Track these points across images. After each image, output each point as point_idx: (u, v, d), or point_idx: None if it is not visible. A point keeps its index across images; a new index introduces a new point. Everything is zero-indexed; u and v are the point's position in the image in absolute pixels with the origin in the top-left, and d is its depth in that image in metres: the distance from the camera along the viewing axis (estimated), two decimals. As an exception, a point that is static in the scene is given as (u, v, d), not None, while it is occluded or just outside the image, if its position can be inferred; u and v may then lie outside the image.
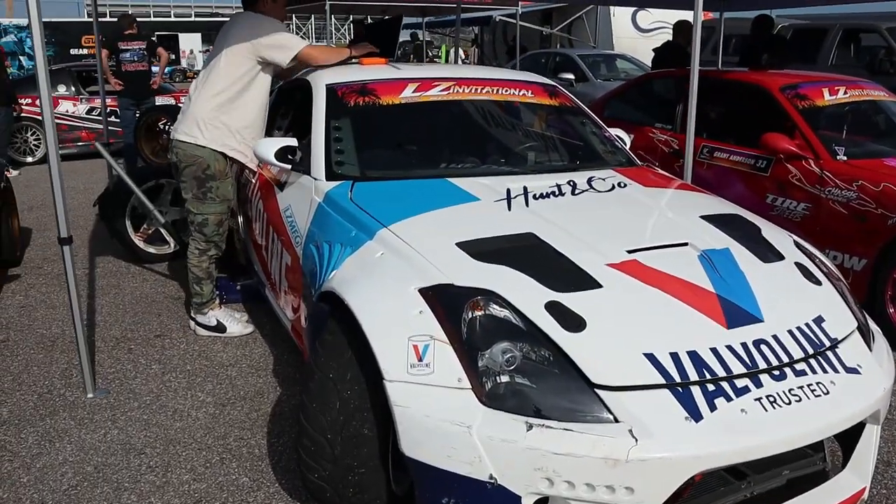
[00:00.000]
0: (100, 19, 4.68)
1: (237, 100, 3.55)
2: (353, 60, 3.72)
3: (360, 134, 3.23)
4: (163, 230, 4.90)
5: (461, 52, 21.00)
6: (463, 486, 1.88)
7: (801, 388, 2.03)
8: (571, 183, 2.93)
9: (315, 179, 3.02)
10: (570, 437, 1.81)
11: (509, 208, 2.62)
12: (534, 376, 1.94)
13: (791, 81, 4.78)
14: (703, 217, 2.73)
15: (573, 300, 2.08)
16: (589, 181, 2.99)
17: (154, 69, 8.47)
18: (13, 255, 4.93)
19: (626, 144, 3.84)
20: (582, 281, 2.17)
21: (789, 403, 1.98)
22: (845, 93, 4.77)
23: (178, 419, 3.07)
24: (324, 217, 2.81)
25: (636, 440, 1.80)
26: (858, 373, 2.19)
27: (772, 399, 1.97)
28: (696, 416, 1.87)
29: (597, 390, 1.89)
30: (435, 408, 1.91)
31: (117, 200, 4.83)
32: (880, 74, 8.78)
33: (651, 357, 1.95)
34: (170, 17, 33.75)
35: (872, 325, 2.59)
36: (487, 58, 15.24)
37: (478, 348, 1.97)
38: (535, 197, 2.74)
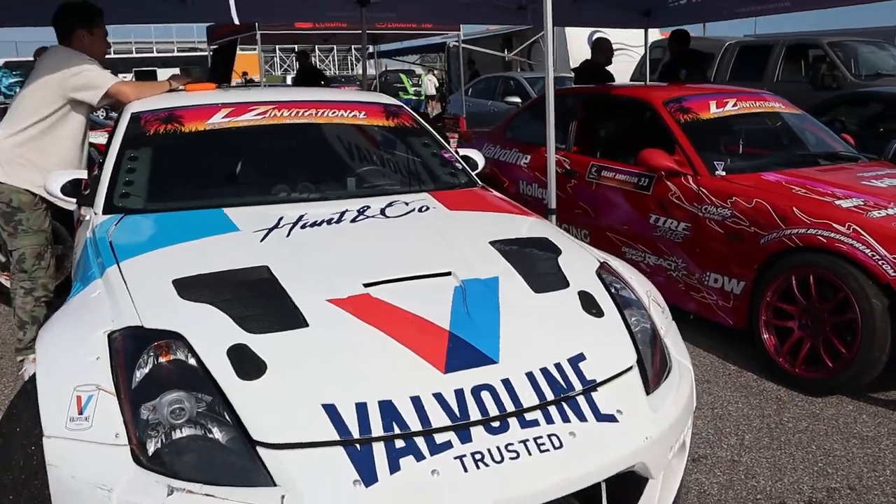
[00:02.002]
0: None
1: (44, 138, 3.38)
2: (181, 88, 3.52)
3: (154, 164, 3.00)
4: None
5: (434, 79, 20.98)
6: (104, 560, 1.61)
7: (523, 441, 1.75)
8: (362, 209, 2.69)
9: (95, 214, 2.79)
10: (209, 502, 1.55)
11: (263, 239, 2.38)
12: (201, 431, 1.68)
13: (676, 95, 4.53)
14: (493, 242, 2.48)
15: (263, 343, 1.82)
16: (385, 206, 2.75)
17: None
18: None
19: (478, 166, 3.62)
20: (287, 320, 1.92)
21: (501, 461, 1.70)
22: (735, 105, 4.52)
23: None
24: (84, 254, 2.57)
25: (284, 508, 1.53)
26: (615, 421, 1.90)
27: (479, 457, 1.69)
28: (369, 479, 1.60)
29: (258, 448, 1.63)
30: (83, 468, 1.66)
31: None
32: (823, 88, 8.57)
33: (331, 409, 1.69)
34: (152, 52, 34.10)
35: (677, 359, 2.32)
36: (454, 84, 15.14)
37: (144, 399, 1.72)
38: (303, 226, 2.49)
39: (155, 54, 32.39)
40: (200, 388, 1.74)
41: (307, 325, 1.91)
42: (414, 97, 18.96)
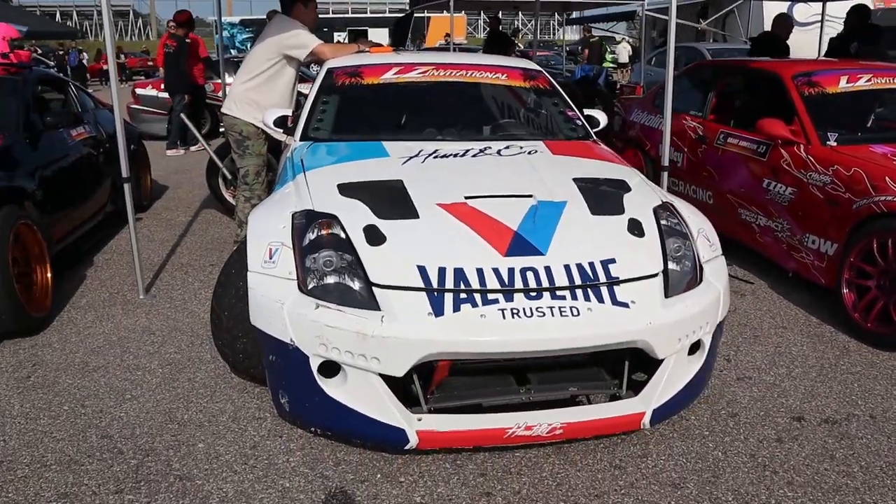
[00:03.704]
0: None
1: (266, 84, 4.53)
2: (365, 50, 4.52)
3: (339, 107, 4.02)
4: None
5: (628, 46, 20.93)
6: (277, 346, 2.60)
7: (550, 308, 2.49)
8: (483, 148, 3.51)
9: (294, 140, 3.85)
10: (339, 315, 2.48)
11: (404, 163, 3.28)
12: (340, 274, 2.61)
13: (807, 69, 4.82)
14: (575, 178, 3.19)
15: (387, 225, 2.72)
16: (503, 148, 3.54)
17: None
18: (141, 204, 6.31)
19: (599, 123, 4.27)
20: (406, 213, 2.81)
21: (530, 317, 2.45)
22: (868, 81, 4.72)
23: (189, 317, 4.06)
24: (284, 166, 3.64)
25: (382, 322, 2.42)
26: (627, 307, 2.57)
27: (515, 311, 2.46)
28: (438, 312, 2.44)
29: (373, 287, 2.53)
30: (269, 291, 2.65)
31: (212, 162, 6.02)
32: None
33: (422, 268, 2.54)
34: (365, 13, 36.93)
35: (710, 281, 2.88)
36: (646, 51, 15.23)
37: (309, 253, 2.68)
38: (435, 157, 3.36)
39: (368, 15, 35.04)
40: (344, 250, 2.66)
41: (418, 217, 2.78)
42: (611, 64, 19.13)
